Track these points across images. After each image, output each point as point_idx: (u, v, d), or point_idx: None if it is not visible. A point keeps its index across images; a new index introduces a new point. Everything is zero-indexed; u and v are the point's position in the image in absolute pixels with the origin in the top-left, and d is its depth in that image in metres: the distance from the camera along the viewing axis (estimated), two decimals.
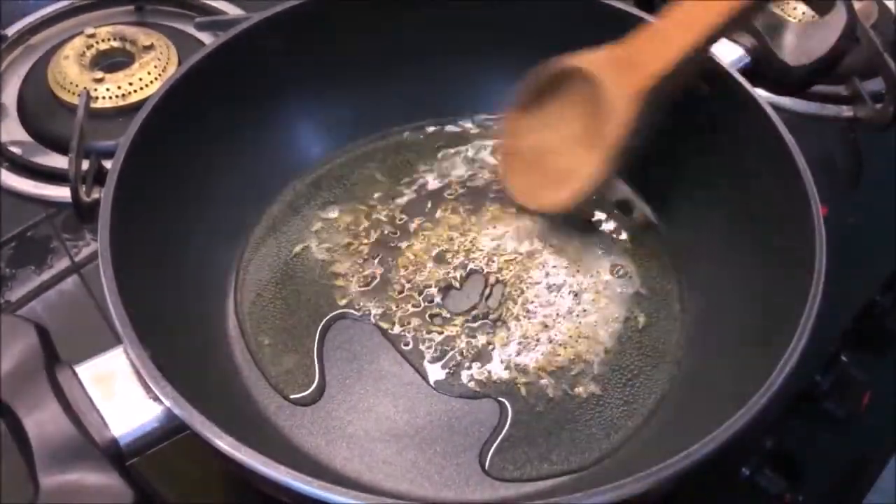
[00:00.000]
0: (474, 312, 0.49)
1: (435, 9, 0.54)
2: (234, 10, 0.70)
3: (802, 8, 0.66)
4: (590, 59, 0.48)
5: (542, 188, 0.52)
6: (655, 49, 0.46)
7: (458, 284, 0.51)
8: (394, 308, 0.49)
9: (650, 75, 0.46)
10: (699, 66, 0.48)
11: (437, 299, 0.50)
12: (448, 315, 0.49)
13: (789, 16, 0.66)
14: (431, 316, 0.49)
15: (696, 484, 0.42)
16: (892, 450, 0.52)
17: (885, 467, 0.52)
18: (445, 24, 0.55)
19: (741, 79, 0.49)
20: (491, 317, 0.49)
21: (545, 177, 0.52)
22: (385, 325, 0.49)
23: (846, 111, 0.64)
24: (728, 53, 0.52)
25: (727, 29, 0.46)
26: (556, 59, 0.50)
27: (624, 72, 0.47)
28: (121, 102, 0.61)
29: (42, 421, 0.32)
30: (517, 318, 0.49)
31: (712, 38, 0.46)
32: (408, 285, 0.50)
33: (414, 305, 0.49)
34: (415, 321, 0.49)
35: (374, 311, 0.49)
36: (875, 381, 0.54)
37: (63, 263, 0.55)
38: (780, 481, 0.48)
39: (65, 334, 0.38)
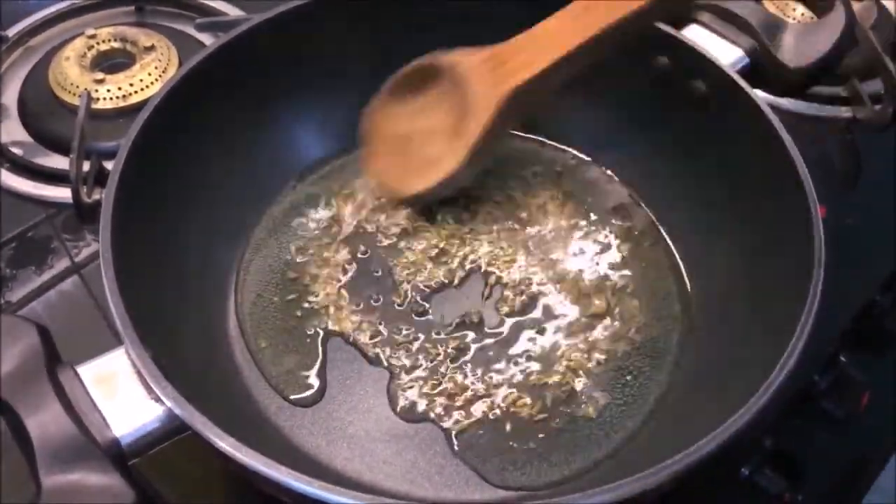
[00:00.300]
0: (474, 316, 0.49)
1: (435, 11, 0.54)
2: (234, 12, 0.70)
3: (801, 9, 0.66)
4: (461, 57, 0.50)
5: (404, 175, 0.52)
6: (527, 55, 0.48)
7: (457, 285, 0.51)
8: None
9: (517, 80, 0.47)
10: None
11: (437, 300, 0.50)
12: (448, 319, 0.49)
13: (788, 16, 0.66)
14: (430, 319, 0.49)
15: (696, 484, 0.42)
16: (891, 449, 0.52)
17: (885, 467, 0.52)
18: (446, 25, 0.54)
19: (740, 80, 0.49)
20: (490, 319, 0.49)
21: (408, 164, 0.52)
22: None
23: (845, 112, 0.64)
24: (727, 55, 0.52)
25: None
26: (430, 55, 0.51)
27: (492, 73, 0.48)
28: (121, 103, 0.61)
29: (44, 421, 0.33)
30: (518, 318, 0.49)
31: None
32: (408, 286, 0.50)
33: (414, 307, 0.50)
34: (415, 324, 0.49)
35: None
36: (874, 381, 0.54)
37: (63, 264, 0.55)
38: (780, 481, 0.48)
39: (65, 334, 0.38)
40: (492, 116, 0.48)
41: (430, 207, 0.54)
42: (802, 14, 0.66)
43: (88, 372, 0.35)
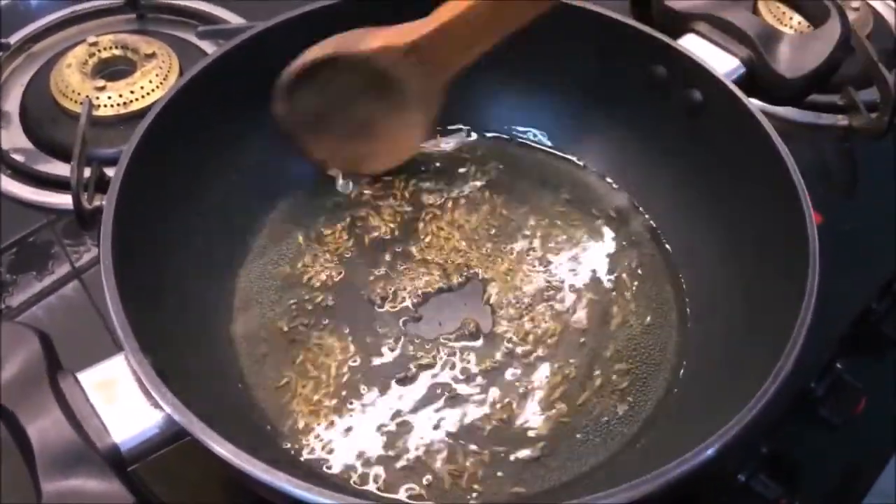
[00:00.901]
0: (472, 324, 0.49)
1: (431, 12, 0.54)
2: (235, 19, 0.70)
3: (798, 18, 0.66)
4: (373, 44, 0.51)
5: (361, 158, 0.55)
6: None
7: (455, 292, 0.51)
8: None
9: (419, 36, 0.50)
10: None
11: (435, 307, 0.50)
12: (446, 326, 0.49)
13: (785, 26, 0.67)
14: (428, 325, 0.49)
15: (692, 490, 0.42)
16: (890, 453, 0.52)
17: (883, 471, 0.52)
18: None
19: (735, 89, 0.49)
20: (490, 327, 0.49)
21: (361, 147, 0.55)
22: None
23: (841, 120, 0.65)
24: (724, 65, 0.53)
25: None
26: (329, 43, 0.51)
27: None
28: (122, 111, 0.61)
29: (44, 427, 0.33)
30: (517, 324, 0.49)
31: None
32: (405, 293, 0.51)
33: (412, 313, 0.50)
34: (414, 330, 0.49)
35: None
36: (871, 387, 0.54)
37: (64, 269, 0.55)
38: (776, 487, 0.48)
39: (65, 338, 0.38)
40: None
41: (430, 211, 0.55)
42: (799, 23, 0.66)
43: (88, 378, 0.36)
